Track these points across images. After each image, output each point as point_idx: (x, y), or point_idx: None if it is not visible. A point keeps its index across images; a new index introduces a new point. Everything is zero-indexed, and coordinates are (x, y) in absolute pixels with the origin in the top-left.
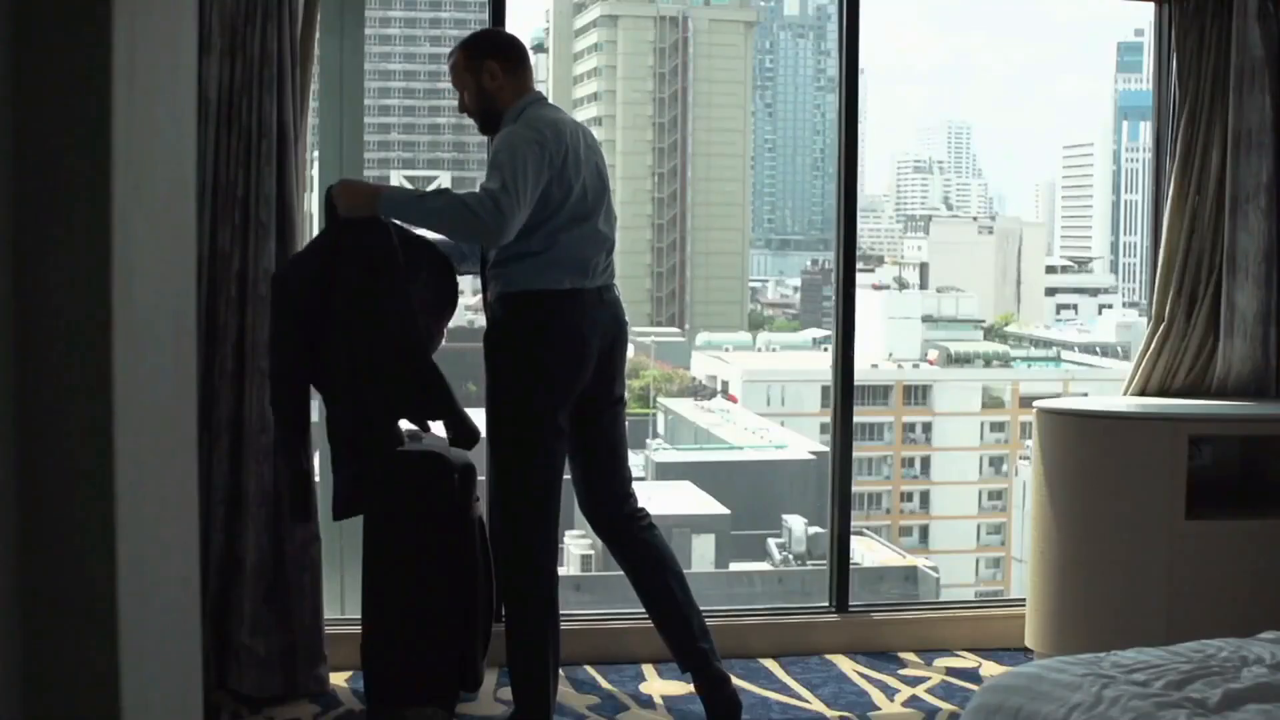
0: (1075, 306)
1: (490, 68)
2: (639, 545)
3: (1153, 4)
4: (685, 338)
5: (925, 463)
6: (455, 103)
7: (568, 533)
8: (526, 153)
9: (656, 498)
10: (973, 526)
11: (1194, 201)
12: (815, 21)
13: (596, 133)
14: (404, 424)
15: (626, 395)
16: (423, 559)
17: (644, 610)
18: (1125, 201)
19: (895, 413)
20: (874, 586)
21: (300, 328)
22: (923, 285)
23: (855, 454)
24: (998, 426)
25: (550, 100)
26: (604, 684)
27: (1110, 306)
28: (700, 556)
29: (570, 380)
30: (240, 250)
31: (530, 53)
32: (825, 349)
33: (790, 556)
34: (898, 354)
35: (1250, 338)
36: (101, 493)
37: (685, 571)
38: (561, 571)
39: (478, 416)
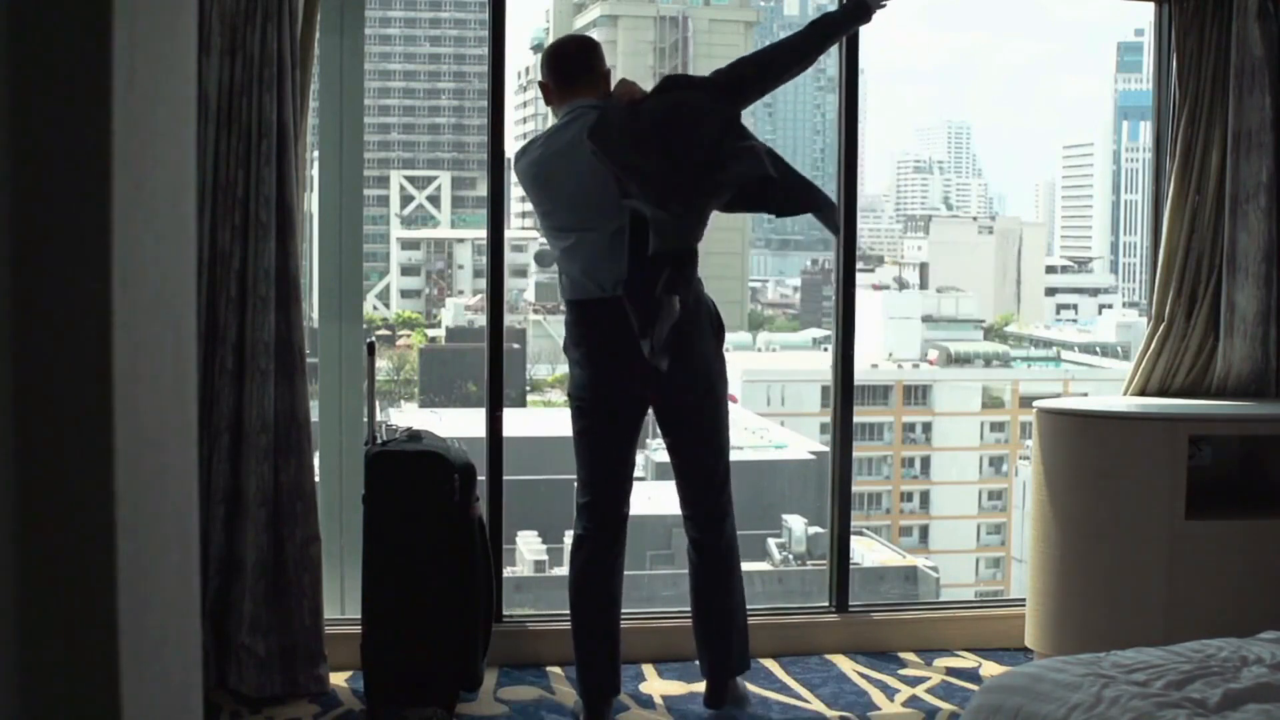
0: (1075, 306)
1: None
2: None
3: (1153, 4)
4: None
5: (925, 463)
6: (455, 103)
7: (567, 532)
8: None
9: (657, 497)
10: (973, 526)
11: (1194, 201)
12: None
13: None
14: (403, 424)
15: None
16: (423, 559)
17: (645, 610)
18: (1125, 201)
19: (895, 413)
20: (874, 586)
21: None
22: (923, 285)
23: (855, 454)
24: (998, 426)
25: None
26: None
27: (1110, 306)
28: None
29: None
30: (240, 250)
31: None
32: (825, 349)
33: (790, 556)
34: (898, 354)
35: (1250, 338)
36: (101, 493)
37: (684, 571)
38: (560, 571)
39: (476, 416)
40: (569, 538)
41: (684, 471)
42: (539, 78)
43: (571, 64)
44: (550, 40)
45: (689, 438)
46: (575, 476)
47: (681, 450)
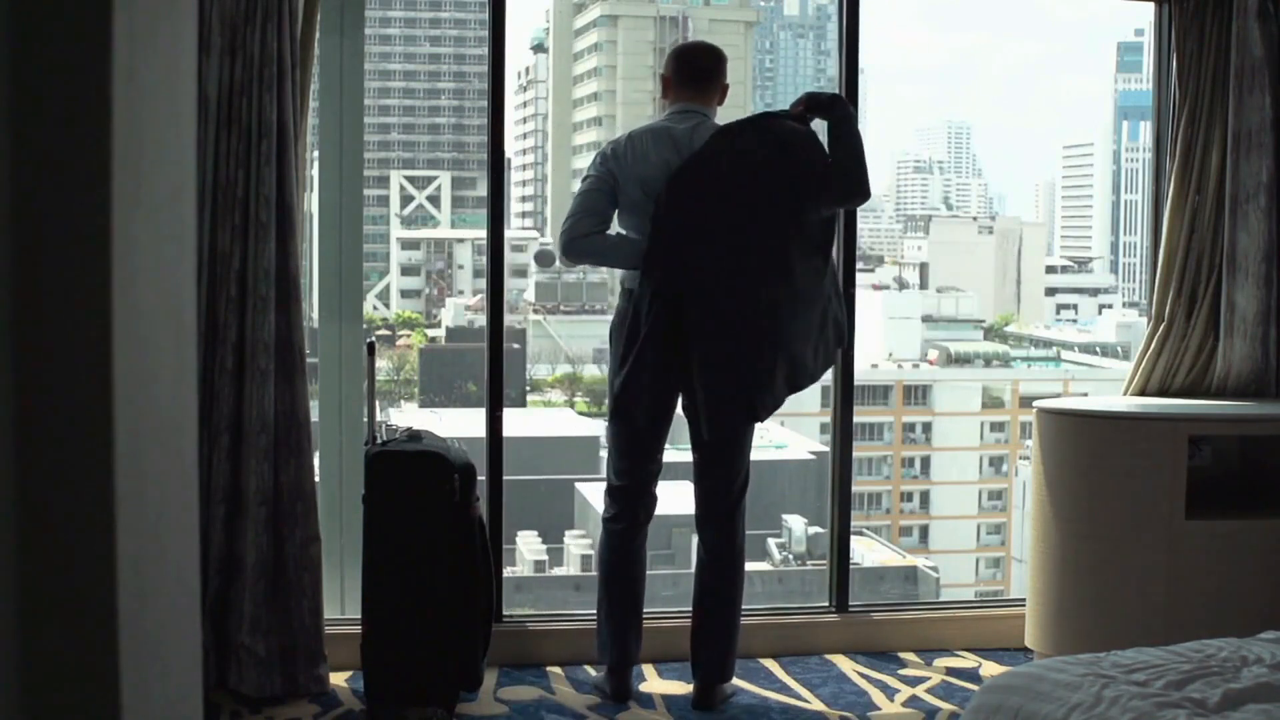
0: (1075, 306)
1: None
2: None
3: (1153, 4)
4: None
5: (925, 463)
6: (455, 103)
7: (567, 532)
8: None
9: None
10: (973, 526)
11: (1194, 201)
12: (815, 21)
13: (596, 133)
14: (403, 424)
15: None
16: (423, 559)
17: (645, 610)
18: (1125, 201)
19: (895, 413)
20: (874, 586)
21: None
22: (923, 285)
23: (855, 454)
24: (998, 426)
25: (551, 99)
26: None
27: (1110, 306)
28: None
29: None
30: (240, 250)
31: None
32: None
33: (790, 556)
34: (898, 354)
35: (1250, 338)
36: (101, 493)
37: (684, 571)
38: (560, 571)
39: (476, 416)
40: (569, 537)
41: (705, 478)
42: (662, 71)
43: (701, 70)
44: (549, 40)
45: (718, 444)
46: (602, 473)
47: (707, 454)
